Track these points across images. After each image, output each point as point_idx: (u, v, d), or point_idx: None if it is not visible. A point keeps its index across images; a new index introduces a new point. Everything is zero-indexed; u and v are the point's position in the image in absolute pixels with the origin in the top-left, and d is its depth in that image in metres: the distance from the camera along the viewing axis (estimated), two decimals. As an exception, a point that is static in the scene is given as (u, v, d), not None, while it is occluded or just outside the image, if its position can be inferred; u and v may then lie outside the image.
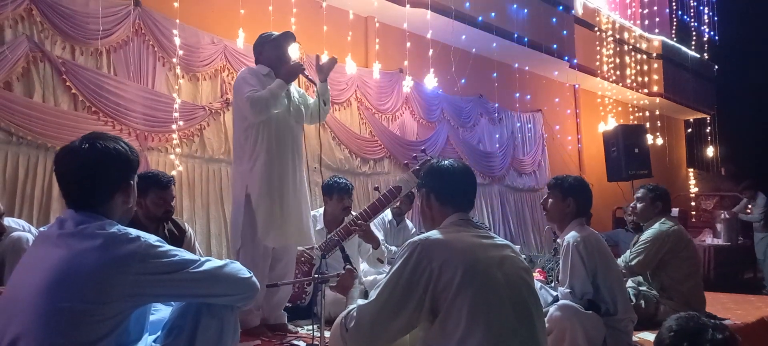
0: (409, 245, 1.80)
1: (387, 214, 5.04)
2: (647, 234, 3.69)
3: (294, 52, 5.63)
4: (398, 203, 5.13)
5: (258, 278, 1.79)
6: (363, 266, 4.18)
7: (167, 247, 1.56)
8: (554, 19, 8.59)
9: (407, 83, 6.78)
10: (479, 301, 1.67)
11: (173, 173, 4.58)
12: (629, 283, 3.65)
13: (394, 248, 4.32)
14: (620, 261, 3.66)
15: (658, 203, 3.80)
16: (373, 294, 1.81)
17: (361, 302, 1.85)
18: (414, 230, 4.87)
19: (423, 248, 1.76)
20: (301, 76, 3.31)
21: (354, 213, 3.82)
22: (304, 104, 3.47)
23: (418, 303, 1.73)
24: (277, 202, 3.13)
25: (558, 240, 2.97)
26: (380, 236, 3.99)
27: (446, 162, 2.05)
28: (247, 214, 3.15)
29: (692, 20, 13.84)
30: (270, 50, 3.32)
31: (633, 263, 3.63)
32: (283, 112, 3.23)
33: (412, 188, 3.66)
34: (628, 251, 3.78)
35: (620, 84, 10.40)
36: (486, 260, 1.76)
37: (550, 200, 2.93)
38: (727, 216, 8.33)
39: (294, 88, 3.43)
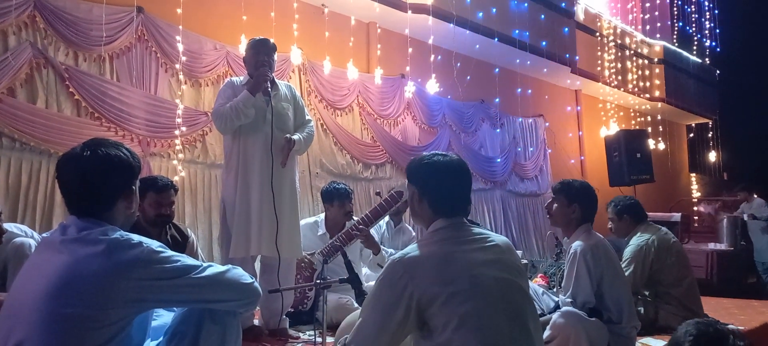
0: (389, 266, 1.73)
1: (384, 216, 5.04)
2: (627, 252, 3.60)
3: (296, 57, 5.70)
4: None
5: None
6: (365, 271, 4.18)
7: (169, 252, 1.56)
8: (556, 25, 8.60)
9: (409, 88, 6.79)
10: (468, 313, 1.62)
11: (176, 178, 4.59)
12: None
13: (392, 251, 4.32)
14: None
15: (624, 216, 3.72)
16: (358, 322, 1.77)
17: (349, 337, 1.80)
18: (414, 234, 4.86)
19: (402, 267, 1.70)
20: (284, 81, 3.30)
21: (356, 218, 3.82)
22: (296, 108, 3.42)
23: (403, 320, 1.68)
24: (245, 213, 3.13)
25: (563, 243, 2.94)
26: (376, 237, 3.99)
27: (441, 159, 1.88)
28: (223, 224, 3.24)
29: (693, 25, 13.85)
30: (248, 57, 3.31)
31: None
32: (259, 120, 3.18)
33: None
34: None
35: (622, 89, 10.41)
36: (472, 269, 1.69)
37: (554, 205, 2.89)
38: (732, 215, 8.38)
39: (284, 90, 3.39)
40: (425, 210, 1.86)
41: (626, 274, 3.46)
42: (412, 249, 1.76)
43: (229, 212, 3.20)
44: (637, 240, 3.62)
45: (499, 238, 1.84)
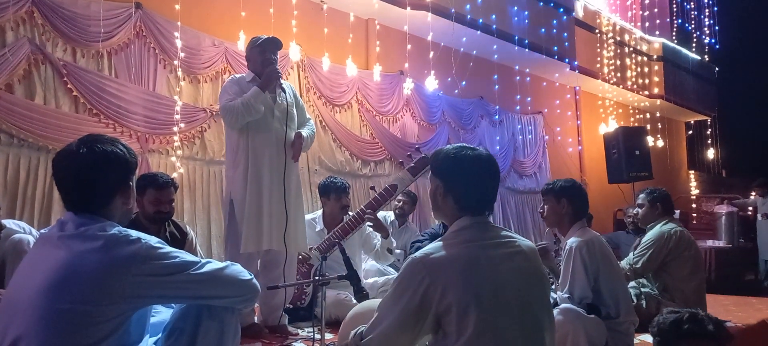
0: (410, 265, 1.66)
1: (389, 215, 5.05)
2: (649, 235, 3.72)
3: (294, 54, 5.68)
4: (401, 204, 5.13)
5: None
6: (365, 266, 4.18)
7: (168, 249, 1.56)
8: (555, 22, 8.59)
9: (408, 85, 6.78)
10: (485, 323, 1.58)
11: (174, 175, 4.59)
12: (631, 283, 3.65)
13: (399, 251, 4.33)
14: (624, 263, 3.67)
15: (657, 205, 3.81)
16: (374, 317, 1.72)
17: (362, 327, 1.77)
18: (418, 234, 4.87)
19: (424, 268, 1.63)
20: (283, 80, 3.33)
21: (351, 213, 3.83)
22: (297, 107, 3.46)
23: (421, 322, 1.64)
24: (256, 208, 3.13)
25: (561, 243, 2.97)
26: (377, 242, 4.00)
27: (469, 153, 1.77)
28: (231, 219, 3.21)
29: (693, 23, 13.85)
30: (255, 55, 3.31)
31: (638, 265, 3.64)
32: (267, 117, 3.20)
33: (408, 185, 3.67)
34: (630, 254, 3.77)
35: (621, 86, 10.41)
36: (495, 279, 1.63)
37: (545, 206, 2.96)
38: (735, 209, 8.34)
39: (288, 90, 3.42)
40: (449, 206, 1.77)
41: (641, 256, 3.62)
42: (435, 248, 1.68)
43: (239, 208, 3.18)
44: (661, 227, 3.71)
45: (524, 243, 1.77)
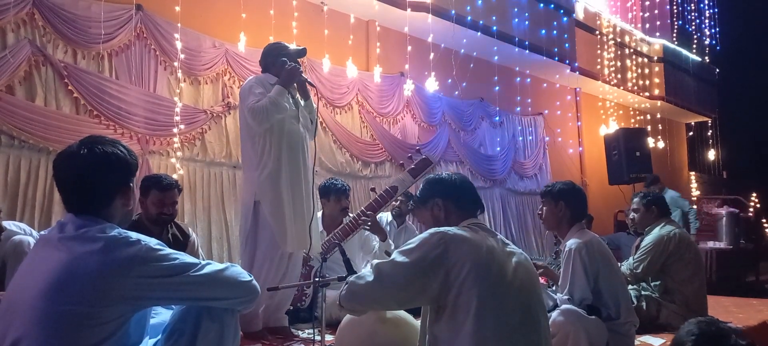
0: (429, 233, 1.84)
1: (387, 216, 5.04)
2: (648, 240, 3.68)
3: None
4: (398, 204, 5.13)
5: (269, 283, 1.80)
6: (366, 269, 4.18)
7: (167, 250, 1.56)
8: (555, 23, 8.60)
9: (408, 87, 6.78)
10: (490, 297, 1.72)
11: (174, 176, 4.59)
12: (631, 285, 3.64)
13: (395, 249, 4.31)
14: (624, 268, 3.65)
15: (652, 207, 3.78)
16: (383, 264, 1.84)
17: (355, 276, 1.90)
18: (418, 233, 4.86)
19: (443, 236, 1.80)
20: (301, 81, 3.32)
21: (352, 215, 3.83)
22: (309, 110, 3.49)
23: (425, 286, 1.77)
24: (291, 208, 3.13)
25: (560, 246, 2.97)
26: (375, 244, 4.00)
27: (446, 174, 2.14)
28: (255, 221, 3.15)
29: (693, 24, 13.85)
30: (281, 61, 3.29)
31: (638, 269, 3.62)
32: (290, 118, 3.20)
33: (408, 187, 3.68)
34: (630, 258, 3.76)
35: (621, 87, 10.41)
36: (501, 262, 1.81)
37: (544, 208, 2.97)
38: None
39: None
40: (451, 212, 2.02)
41: (641, 260, 3.60)
42: (452, 228, 1.88)
43: (271, 209, 3.11)
44: (659, 231, 3.67)
45: (517, 248, 1.98)
